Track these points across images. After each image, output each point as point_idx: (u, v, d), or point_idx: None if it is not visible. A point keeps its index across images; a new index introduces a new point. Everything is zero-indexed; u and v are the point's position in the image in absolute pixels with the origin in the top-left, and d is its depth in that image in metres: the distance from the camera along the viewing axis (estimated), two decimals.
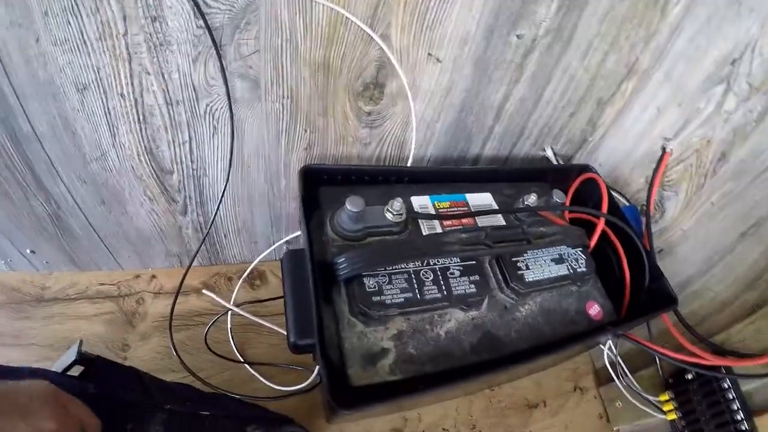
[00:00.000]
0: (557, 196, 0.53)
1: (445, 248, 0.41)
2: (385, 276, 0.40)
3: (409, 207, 0.49)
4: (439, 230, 0.47)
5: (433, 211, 0.49)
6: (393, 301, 0.39)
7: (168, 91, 0.47)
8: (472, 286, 0.42)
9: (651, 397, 0.64)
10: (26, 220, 0.60)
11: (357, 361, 0.37)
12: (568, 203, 0.62)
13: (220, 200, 0.56)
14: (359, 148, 0.56)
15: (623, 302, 0.55)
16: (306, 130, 0.54)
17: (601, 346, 0.68)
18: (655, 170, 0.61)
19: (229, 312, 0.69)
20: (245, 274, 0.72)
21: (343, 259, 0.40)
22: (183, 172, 0.58)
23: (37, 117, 0.47)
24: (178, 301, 0.71)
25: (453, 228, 0.46)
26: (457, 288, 0.42)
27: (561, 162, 0.65)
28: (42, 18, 0.39)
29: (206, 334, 0.65)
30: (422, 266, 0.42)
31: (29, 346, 0.64)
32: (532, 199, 0.51)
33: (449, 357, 0.40)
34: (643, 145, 0.63)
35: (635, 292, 0.55)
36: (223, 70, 0.45)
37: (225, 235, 0.70)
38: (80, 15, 0.39)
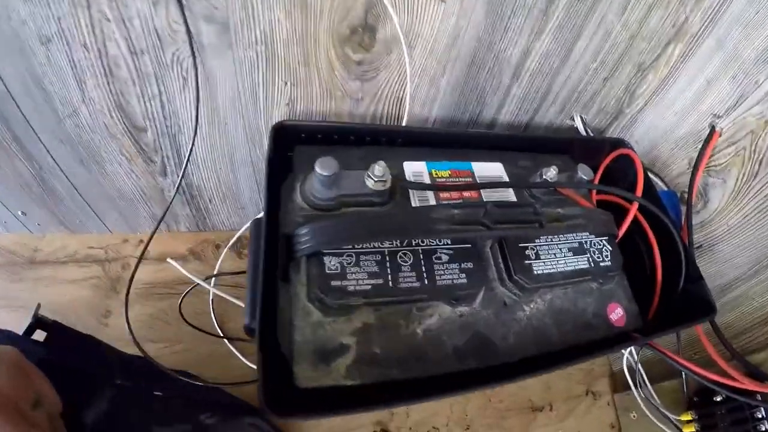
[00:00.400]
0: (583, 172, 0.43)
1: (429, 225, 0.31)
2: (351, 256, 0.31)
3: (399, 174, 0.39)
4: (433, 203, 0.37)
5: (428, 180, 0.39)
6: (357, 287, 0.30)
7: (131, 39, 0.41)
8: (463, 275, 0.33)
9: (671, 415, 0.53)
10: (12, 181, 0.56)
11: (307, 357, 0.29)
12: (597, 182, 0.51)
13: (188, 158, 0.48)
14: (350, 104, 0.47)
15: (651, 305, 0.45)
16: (286, 83, 0.44)
17: (624, 351, 0.57)
18: (701, 152, 0.50)
19: (213, 281, 0.62)
20: (231, 243, 0.65)
21: (305, 230, 0.31)
22: (157, 129, 0.51)
23: (7, 75, 0.43)
24: (161, 268, 0.66)
25: (448, 202, 0.36)
26: (442, 277, 0.32)
27: (591, 135, 0.54)
28: None
29: (180, 304, 0.59)
30: (401, 247, 0.32)
31: (18, 308, 0.62)
32: (551, 174, 0.41)
33: (424, 361, 0.31)
34: (688, 122, 0.53)
35: (667, 295, 0.45)
36: (182, 11, 0.37)
37: (210, 200, 0.62)
38: None
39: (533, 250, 0.37)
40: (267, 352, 0.28)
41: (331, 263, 0.30)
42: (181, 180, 0.47)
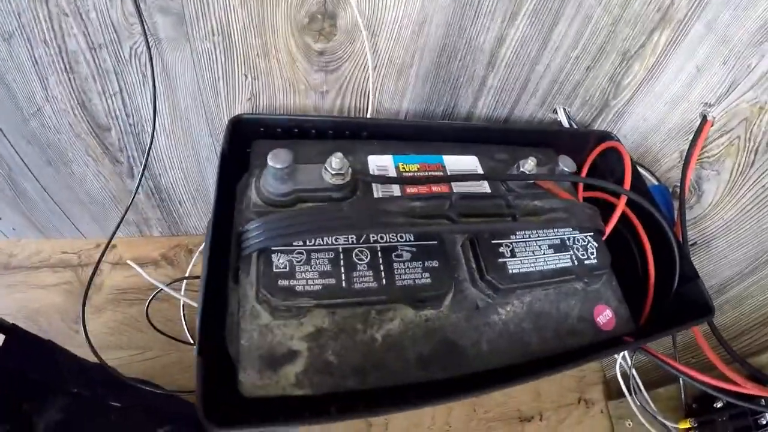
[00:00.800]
0: (565, 164, 0.40)
1: (384, 218, 0.28)
2: (302, 254, 0.28)
3: (362, 168, 0.37)
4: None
5: (393, 174, 0.37)
6: (306, 288, 0.27)
7: (89, 33, 0.40)
8: (427, 275, 0.30)
9: (669, 423, 0.49)
10: None
11: (253, 364, 0.26)
12: (584, 176, 0.48)
13: (148, 151, 0.45)
14: (315, 98, 0.44)
15: (644, 307, 0.42)
16: (246, 76, 0.42)
17: (617, 357, 0.53)
18: (693, 143, 0.47)
19: (183, 287, 0.60)
20: (202, 247, 0.62)
21: (253, 226, 0.29)
22: (120, 127, 0.49)
23: None
24: (133, 273, 0.65)
25: (410, 196, 0.34)
26: (403, 276, 0.29)
27: (578, 128, 0.51)
28: None
29: (147, 310, 0.57)
30: (357, 244, 0.30)
31: None
32: (529, 165, 0.38)
33: (383, 370, 0.28)
34: (679, 113, 0.50)
35: (660, 295, 0.42)
36: (135, 3, 0.35)
37: (180, 203, 0.60)
38: None
39: (508, 247, 0.34)
40: (208, 358, 0.25)
41: (279, 261, 0.27)
42: (142, 175, 0.45)
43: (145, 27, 0.38)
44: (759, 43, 0.41)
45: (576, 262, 0.37)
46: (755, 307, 0.46)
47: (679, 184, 0.48)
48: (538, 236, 0.36)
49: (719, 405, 0.45)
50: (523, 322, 0.34)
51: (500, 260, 0.33)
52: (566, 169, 0.40)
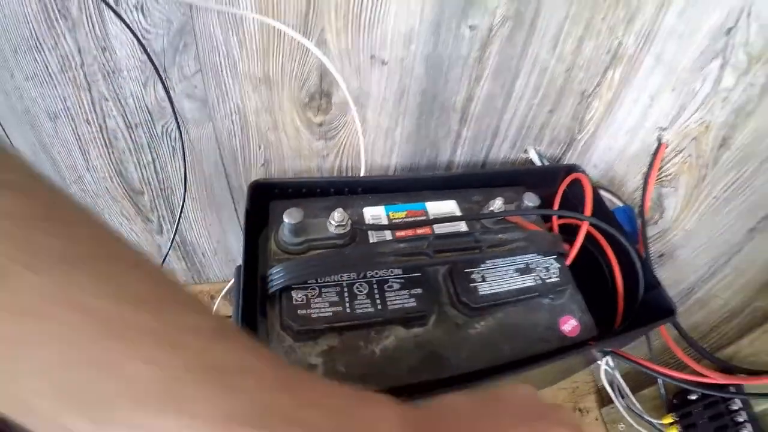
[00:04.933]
0: (529, 199, 0.52)
1: (377, 259, 0.41)
2: (315, 289, 0.41)
3: (359, 219, 0.49)
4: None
5: (386, 222, 0.49)
6: (320, 314, 0.39)
7: (126, 115, 0.52)
8: (413, 299, 0.42)
9: (654, 420, 0.59)
10: None
11: None
12: (556, 207, 0.60)
13: (179, 217, 0.59)
14: (318, 160, 0.58)
15: (616, 316, 0.53)
16: (260, 146, 0.56)
17: (600, 364, 0.64)
18: (651, 165, 0.58)
19: None
20: (223, 292, 0.75)
21: (275, 270, 0.41)
22: (152, 192, 0.62)
23: (20, 144, 0.54)
24: None
25: (397, 238, 0.46)
26: (393, 302, 0.41)
27: (547, 164, 0.63)
28: (13, 55, 0.45)
29: None
30: (357, 279, 0.42)
31: None
32: (497, 204, 0.50)
33: (382, 376, 0.39)
34: (638, 139, 0.61)
35: (630, 305, 0.52)
36: (166, 91, 0.49)
37: (203, 254, 0.73)
38: (43, 51, 0.45)
39: (479, 273, 0.46)
40: None
41: (297, 296, 0.40)
42: (174, 236, 0.58)
43: (175, 109, 0.51)
44: (700, 68, 0.51)
45: (540, 281, 0.48)
46: (720, 305, 0.56)
47: (641, 203, 0.60)
48: (504, 263, 0.48)
49: (694, 397, 0.55)
50: (495, 333, 0.45)
51: (472, 285, 0.45)
52: (530, 204, 0.52)
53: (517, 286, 0.47)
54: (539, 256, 0.50)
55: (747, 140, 0.49)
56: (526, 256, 0.49)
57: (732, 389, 0.51)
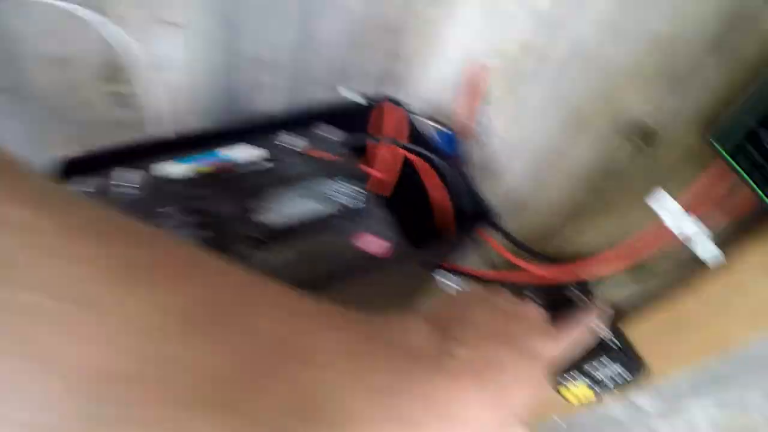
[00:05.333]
0: (330, 133, 0.54)
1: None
2: None
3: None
4: None
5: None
6: None
7: None
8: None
9: None
10: None
11: None
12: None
13: None
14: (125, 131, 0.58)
15: (450, 232, 0.57)
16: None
17: (442, 280, 0.65)
18: (469, 88, 0.60)
19: None
20: None
21: None
22: None
23: None
24: None
25: None
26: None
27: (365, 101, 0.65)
28: None
29: None
30: None
31: None
32: (290, 140, 0.51)
33: None
34: (457, 66, 0.63)
35: (462, 224, 0.55)
36: None
37: None
38: None
39: (268, 207, 0.48)
40: None
41: None
42: None
43: None
44: None
45: (342, 207, 0.50)
46: (544, 205, 0.59)
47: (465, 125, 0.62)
48: (302, 193, 0.50)
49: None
50: (298, 264, 0.47)
51: (260, 218, 0.47)
52: (330, 137, 0.54)
53: (316, 215, 0.49)
54: (341, 183, 0.52)
55: (560, 55, 0.51)
56: (325, 184, 0.51)
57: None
